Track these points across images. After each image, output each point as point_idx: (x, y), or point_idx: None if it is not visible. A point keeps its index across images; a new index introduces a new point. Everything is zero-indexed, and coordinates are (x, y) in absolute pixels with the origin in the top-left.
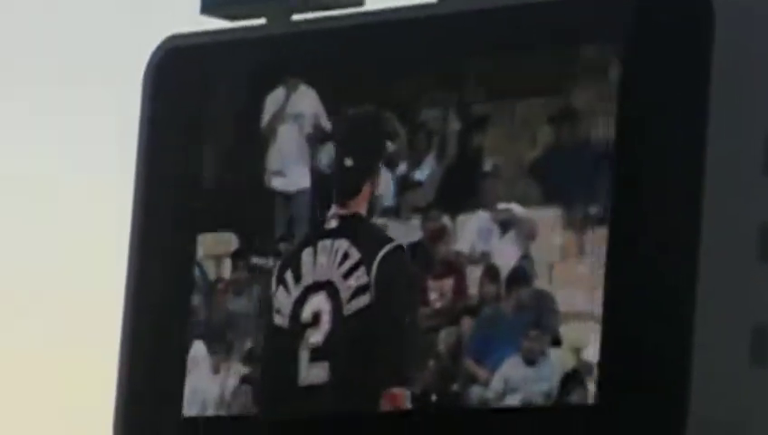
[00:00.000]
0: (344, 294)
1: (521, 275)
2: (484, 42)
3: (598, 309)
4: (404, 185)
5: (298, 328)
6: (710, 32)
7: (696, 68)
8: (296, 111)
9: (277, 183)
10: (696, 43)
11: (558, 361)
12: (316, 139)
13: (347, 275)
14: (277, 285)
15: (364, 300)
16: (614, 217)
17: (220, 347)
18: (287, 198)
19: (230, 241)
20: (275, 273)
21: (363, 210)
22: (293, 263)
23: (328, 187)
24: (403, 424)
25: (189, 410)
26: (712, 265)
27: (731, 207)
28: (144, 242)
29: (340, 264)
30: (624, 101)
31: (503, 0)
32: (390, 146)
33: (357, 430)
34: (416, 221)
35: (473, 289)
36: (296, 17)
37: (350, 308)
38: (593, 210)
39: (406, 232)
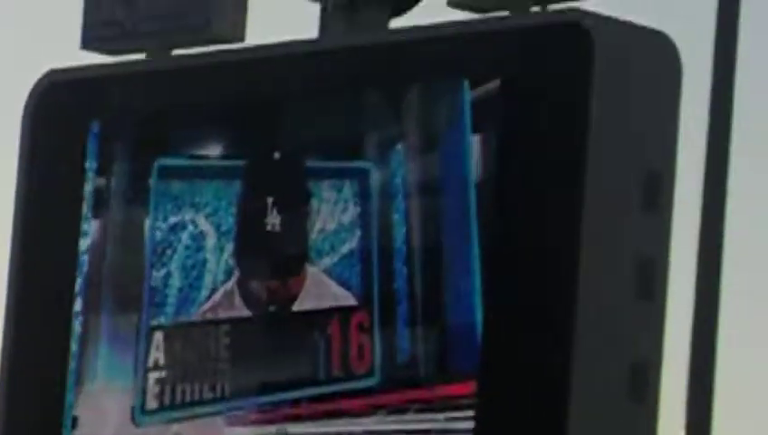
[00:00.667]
0: None
1: None
2: (360, 80)
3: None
4: None
5: None
6: (589, 70)
7: (575, 108)
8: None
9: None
10: (575, 82)
11: None
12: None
13: None
14: None
15: None
16: (488, 254)
17: None
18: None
19: None
20: None
21: None
22: None
23: None
24: None
25: None
26: (591, 302)
27: (610, 242)
28: (20, 291)
29: None
30: (504, 136)
31: (379, 37)
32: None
33: None
34: None
35: None
36: (177, 52)
37: None
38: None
39: None
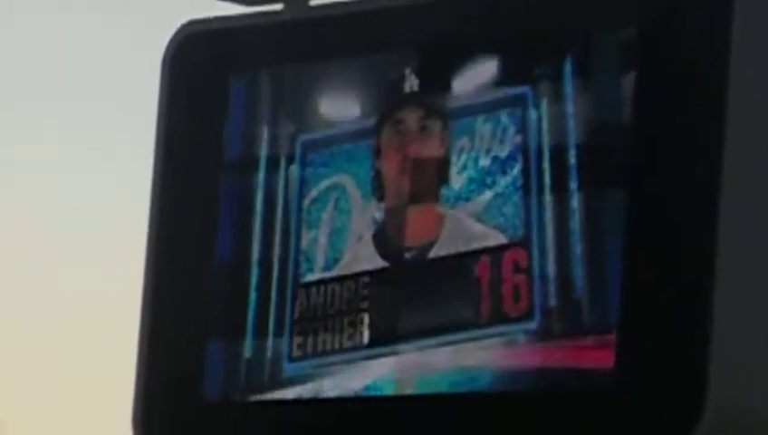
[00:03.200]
0: None
1: None
2: (503, 29)
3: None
4: None
5: None
6: (729, 16)
7: (715, 54)
8: None
9: None
10: (716, 29)
11: None
12: None
13: None
14: None
15: None
16: (633, 194)
17: None
18: None
19: None
20: None
21: None
22: None
23: None
24: None
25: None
26: (732, 248)
27: (755, 184)
28: (163, 240)
29: None
30: (641, 86)
31: None
32: None
33: None
34: None
35: None
36: (314, 2)
37: None
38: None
39: None
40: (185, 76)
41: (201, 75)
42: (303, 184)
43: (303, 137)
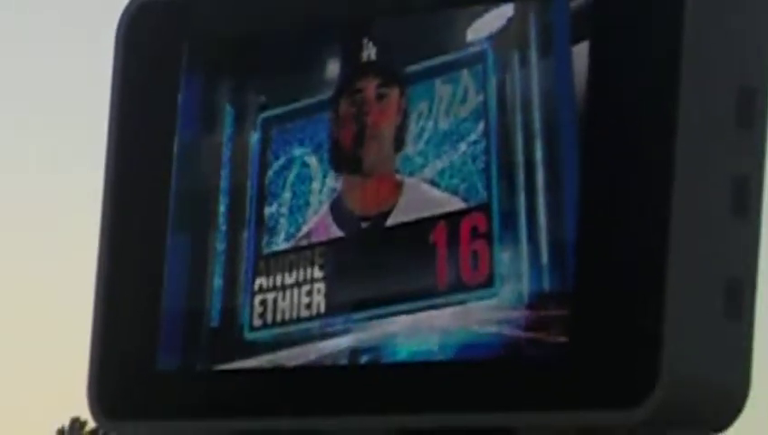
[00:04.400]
0: None
1: None
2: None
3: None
4: None
5: None
6: None
7: (669, 18)
8: None
9: None
10: None
11: None
12: None
13: None
14: None
15: None
16: (585, 167)
17: None
18: None
19: None
20: None
21: None
22: None
23: None
24: None
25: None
26: (685, 217)
27: (704, 160)
28: (117, 209)
29: None
30: (596, 51)
31: None
32: None
33: None
34: None
35: None
36: None
37: None
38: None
39: None
40: (138, 47)
41: (154, 46)
42: (265, 158)
43: (264, 114)
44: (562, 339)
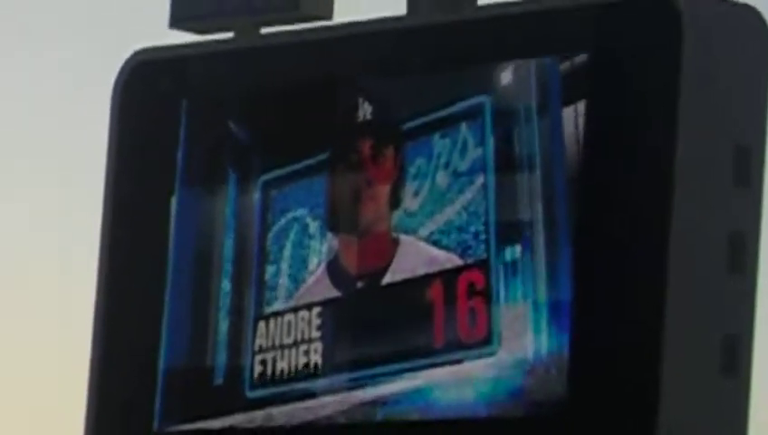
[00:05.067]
0: None
1: None
2: (452, 56)
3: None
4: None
5: None
6: (679, 43)
7: (665, 79)
8: None
9: None
10: (666, 55)
11: None
12: None
13: None
14: None
15: None
16: (581, 225)
17: None
18: None
19: None
20: None
21: None
22: None
23: None
24: None
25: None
26: (682, 275)
27: (701, 217)
28: (113, 281)
29: None
30: (593, 111)
31: (471, 13)
32: None
33: None
34: None
35: None
36: (264, 31)
37: None
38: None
39: None
40: (136, 103)
41: (153, 103)
42: (265, 220)
43: (264, 177)
44: (560, 398)
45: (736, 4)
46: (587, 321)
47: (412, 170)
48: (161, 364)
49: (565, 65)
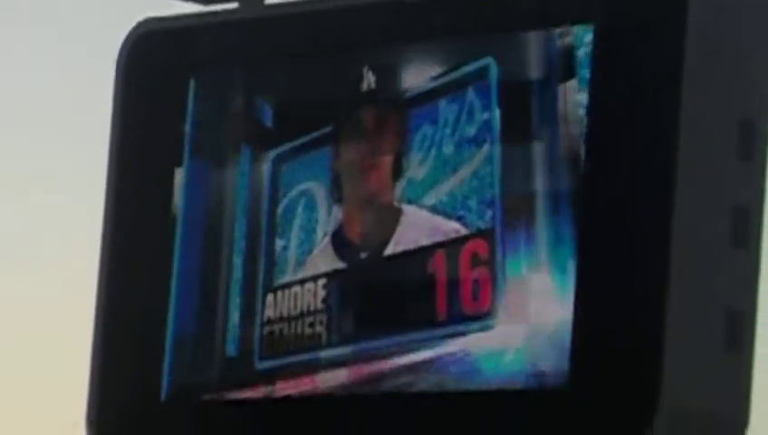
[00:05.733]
0: None
1: None
2: (457, 26)
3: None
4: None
5: None
6: (683, 16)
7: (668, 52)
8: None
9: None
10: (669, 28)
11: None
12: None
13: None
14: None
15: None
16: (584, 199)
17: None
18: None
19: None
20: None
21: None
22: None
23: None
24: None
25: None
26: (685, 250)
27: (705, 191)
28: (115, 248)
29: None
30: (595, 85)
31: None
32: None
33: None
34: None
35: None
36: (269, 1)
37: None
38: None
39: None
40: (141, 75)
41: (158, 75)
42: (275, 193)
43: (274, 151)
44: (563, 371)
45: None
46: (590, 293)
47: (417, 138)
48: (169, 336)
49: (568, 37)
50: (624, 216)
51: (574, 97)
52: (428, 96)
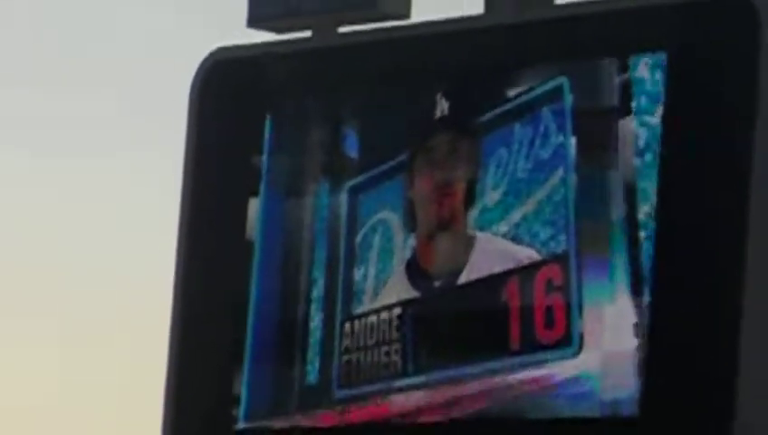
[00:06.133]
0: None
1: None
2: (530, 54)
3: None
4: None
5: None
6: (757, 41)
7: (743, 75)
8: None
9: None
10: (743, 51)
11: None
12: None
13: None
14: None
15: None
16: (660, 222)
17: None
18: None
19: None
20: None
21: None
22: None
23: None
24: None
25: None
26: (759, 275)
27: None
28: (192, 268)
29: None
30: (670, 109)
31: (547, 12)
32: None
33: None
34: None
35: None
36: (342, 30)
37: None
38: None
39: None
40: (215, 103)
41: (232, 104)
42: (353, 223)
43: (351, 182)
44: (637, 399)
45: None
46: (664, 323)
47: (493, 163)
48: (246, 365)
49: (643, 64)
50: (700, 243)
51: (648, 124)
52: (502, 119)
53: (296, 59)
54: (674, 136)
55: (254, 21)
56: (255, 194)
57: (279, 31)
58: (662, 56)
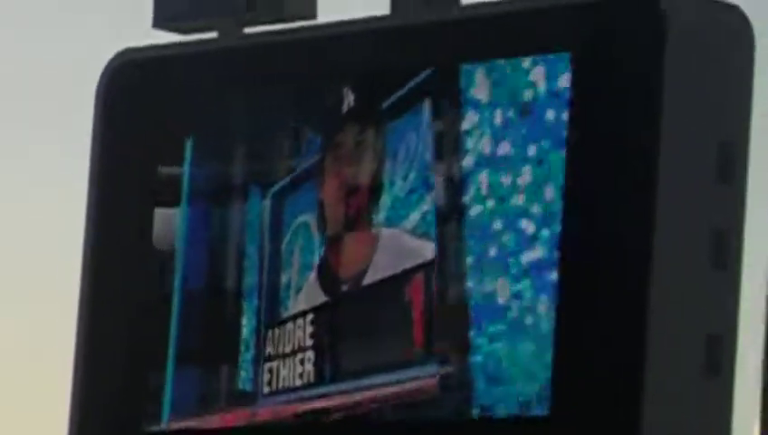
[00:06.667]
0: None
1: None
2: (437, 54)
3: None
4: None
5: None
6: (662, 40)
7: (648, 76)
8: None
9: None
10: (649, 52)
11: None
12: None
13: None
14: None
15: None
16: (565, 222)
17: None
18: None
19: None
20: None
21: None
22: None
23: None
24: None
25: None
26: (665, 273)
27: (684, 214)
28: (96, 274)
29: None
30: (576, 109)
31: (456, 13)
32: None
33: None
34: None
35: None
36: (248, 30)
37: None
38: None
39: None
40: (120, 104)
41: (138, 104)
42: (278, 229)
43: (273, 188)
44: (544, 399)
45: (720, 4)
46: (570, 321)
47: (401, 150)
48: (169, 370)
49: (547, 64)
50: (604, 242)
51: (553, 123)
52: (404, 106)
53: (204, 60)
54: (579, 135)
55: (160, 21)
56: (169, 199)
57: (184, 32)
58: (565, 56)
